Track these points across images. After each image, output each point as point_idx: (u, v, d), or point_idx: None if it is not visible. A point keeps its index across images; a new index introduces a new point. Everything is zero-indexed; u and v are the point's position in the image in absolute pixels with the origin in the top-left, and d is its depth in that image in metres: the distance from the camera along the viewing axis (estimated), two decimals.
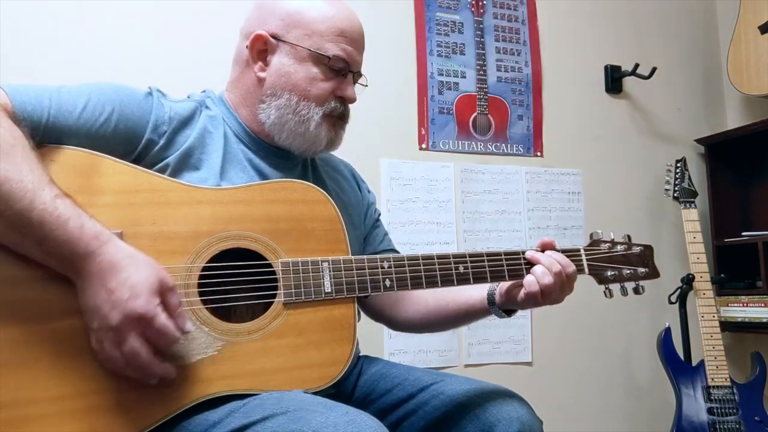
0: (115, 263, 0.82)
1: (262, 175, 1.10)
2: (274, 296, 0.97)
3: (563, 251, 1.14)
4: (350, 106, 1.17)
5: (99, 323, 0.82)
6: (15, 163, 0.81)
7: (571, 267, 1.10)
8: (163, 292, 0.84)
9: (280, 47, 1.11)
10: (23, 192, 0.80)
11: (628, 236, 1.21)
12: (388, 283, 1.03)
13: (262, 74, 1.11)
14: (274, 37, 1.11)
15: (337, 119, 1.14)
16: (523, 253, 1.11)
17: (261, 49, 1.11)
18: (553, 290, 1.08)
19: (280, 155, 1.14)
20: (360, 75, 1.18)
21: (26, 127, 0.88)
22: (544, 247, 1.13)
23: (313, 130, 1.10)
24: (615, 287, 1.17)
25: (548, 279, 1.07)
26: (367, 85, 1.22)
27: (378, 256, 1.04)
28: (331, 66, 1.11)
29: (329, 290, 0.99)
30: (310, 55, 1.10)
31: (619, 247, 1.19)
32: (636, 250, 1.20)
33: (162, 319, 0.82)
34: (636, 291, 1.18)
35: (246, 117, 1.13)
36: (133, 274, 0.82)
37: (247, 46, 1.12)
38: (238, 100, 1.14)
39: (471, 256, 1.09)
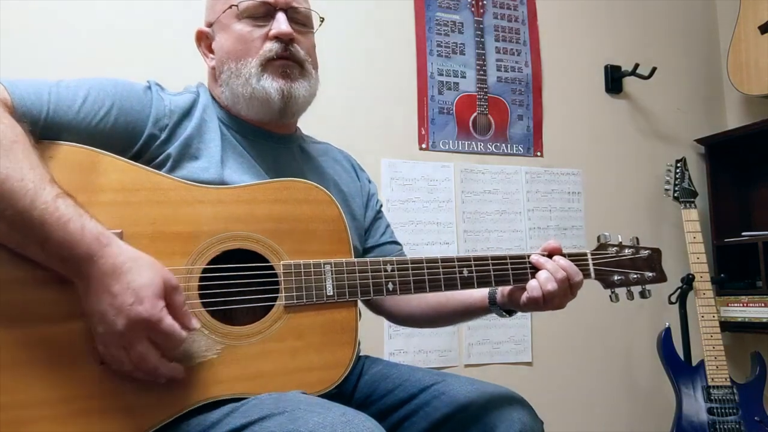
0: (118, 266, 0.81)
1: (256, 161, 1.09)
2: (275, 298, 0.96)
3: (570, 256, 1.12)
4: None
5: (104, 328, 0.81)
6: (16, 161, 0.80)
7: (579, 276, 1.08)
8: (168, 293, 0.83)
9: (214, 30, 1.14)
10: (24, 191, 0.79)
11: (636, 239, 1.19)
12: (390, 286, 1.02)
13: (212, 63, 1.14)
14: (208, 25, 1.15)
15: (282, 63, 1.08)
16: (529, 257, 1.09)
17: (206, 43, 1.15)
18: (556, 296, 1.06)
19: (261, 134, 1.13)
20: (296, 11, 1.11)
21: (26, 123, 0.87)
22: (551, 252, 1.11)
23: (257, 85, 1.06)
24: (621, 291, 1.15)
25: (551, 285, 1.05)
26: (323, 18, 1.17)
27: (381, 258, 1.03)
28: (247, 14, 1.08)
29: (331, 293, 0.98)
30: (228, 15, 1.10)
31: (626, 251, 1.16)
32: (644, 253, 1.17)
33: (168, 321, 0.82)
34: (642, 295, 1.16)
35: (223, 104, 1.13)
36: (136, 277, 0.81)
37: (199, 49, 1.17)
38: (213, 93, 1.15)
39: (476, 259, 1.07)
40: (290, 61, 1.08)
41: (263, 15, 1.08)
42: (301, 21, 1.12)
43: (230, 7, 1.08)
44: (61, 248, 0.80)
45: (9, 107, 0.88)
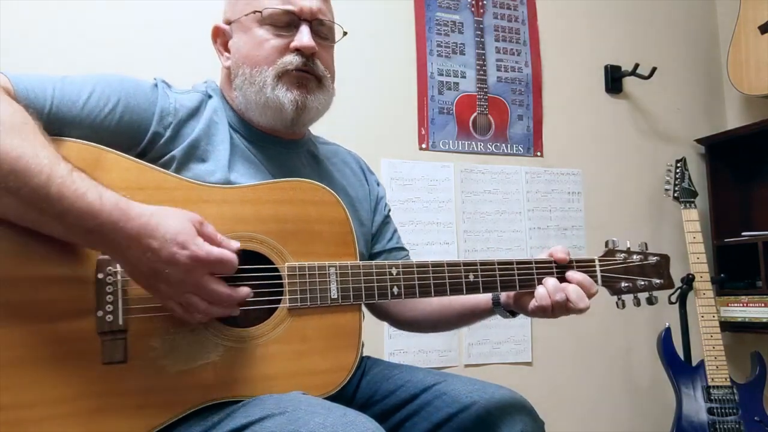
0: (144, 225, 0.82)
1: (265, 166, 1.08)
2: (279, 300, 0.96)
3: (577, 262, 1.11)
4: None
5: (165, 284, 0.83)
6: (28, 140, 0.80)
7: (594, 288, 1.08)
8: (198, 228, 0.85)
9: (233, 29, 1.10)
10: (39, 167, 0.78)
11: (645, 244, 1.18)
12: (395, 290, 1.01)
13: (227, 63, 1.11)
14: (227, 23, 1.11)
15: (300, 75, 1.05)
16: (555, 263, 1.09)
17: (223, 40, 1.12)
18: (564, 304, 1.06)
19: (270, 140, 1.11)
20: (321, 23, 1.09)
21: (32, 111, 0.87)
22: (557, 263, 1.10)
23: (271, 94, 1.04)
24: (627, 297, 1.15)
25: (560, 296, 1.05)
26: (346, 32, 1.15)
27: (386, 262, 1.03)
28: (270, 21, 1.05)
29: (335, 296, 0.98)
30: (250, 19, 1.06)
31: (635, 257, 1.15)
32: (652, 260, 1.16)
33: (215, 252, 0.84)
34: (649, 301, 1.15)
35: (235, 108, 1.11)
36: (168, 228, 0.83)
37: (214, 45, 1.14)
38: (225, 95, 1.13)
39: (482, 264, 1.06)
40: (308, 74, 1.06)
41: (286, 24, 1.05)
42: (324, 34, 1.10)
43: (254, 12, 1.06)
44: (83, 219, 0.80)
45: (12, 98, 0.87)
